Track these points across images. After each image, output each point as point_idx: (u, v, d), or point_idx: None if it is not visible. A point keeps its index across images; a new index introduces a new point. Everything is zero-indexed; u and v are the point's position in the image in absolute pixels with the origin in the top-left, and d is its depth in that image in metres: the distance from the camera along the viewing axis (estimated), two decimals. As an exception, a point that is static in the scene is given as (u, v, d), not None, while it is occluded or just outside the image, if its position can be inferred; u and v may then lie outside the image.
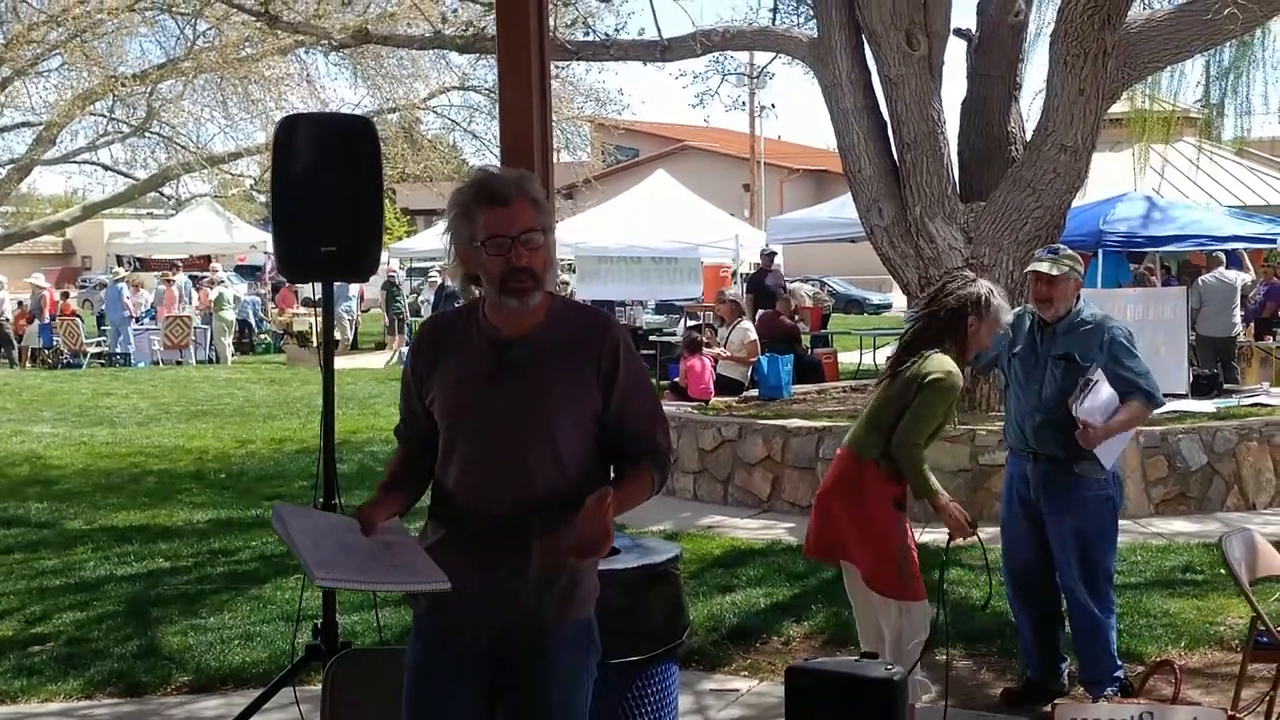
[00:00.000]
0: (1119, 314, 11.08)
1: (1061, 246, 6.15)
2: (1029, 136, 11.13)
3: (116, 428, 15.60)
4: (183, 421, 16.11)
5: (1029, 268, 5.93)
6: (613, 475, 3.33)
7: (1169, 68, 13.63)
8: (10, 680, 6.47)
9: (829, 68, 11.05)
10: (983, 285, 5.63)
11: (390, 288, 27.98)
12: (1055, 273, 5.79)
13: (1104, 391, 5.67)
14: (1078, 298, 5.91)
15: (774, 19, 14.32)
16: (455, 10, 13.61)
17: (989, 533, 9.03)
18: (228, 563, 8.81)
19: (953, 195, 10.75)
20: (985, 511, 9.46)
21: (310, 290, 33.14)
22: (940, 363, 5.45)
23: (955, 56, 11.37)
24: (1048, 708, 5.44)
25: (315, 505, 4.97)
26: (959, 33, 11.49)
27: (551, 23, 12.58)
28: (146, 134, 30.85)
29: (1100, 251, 15.88)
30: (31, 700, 6.26)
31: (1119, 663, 5.91)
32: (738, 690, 6.22)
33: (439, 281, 23.32)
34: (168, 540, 9.44)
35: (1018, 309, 6.30)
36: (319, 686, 5.46)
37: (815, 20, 11.33)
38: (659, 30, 11.84)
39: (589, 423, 3.27)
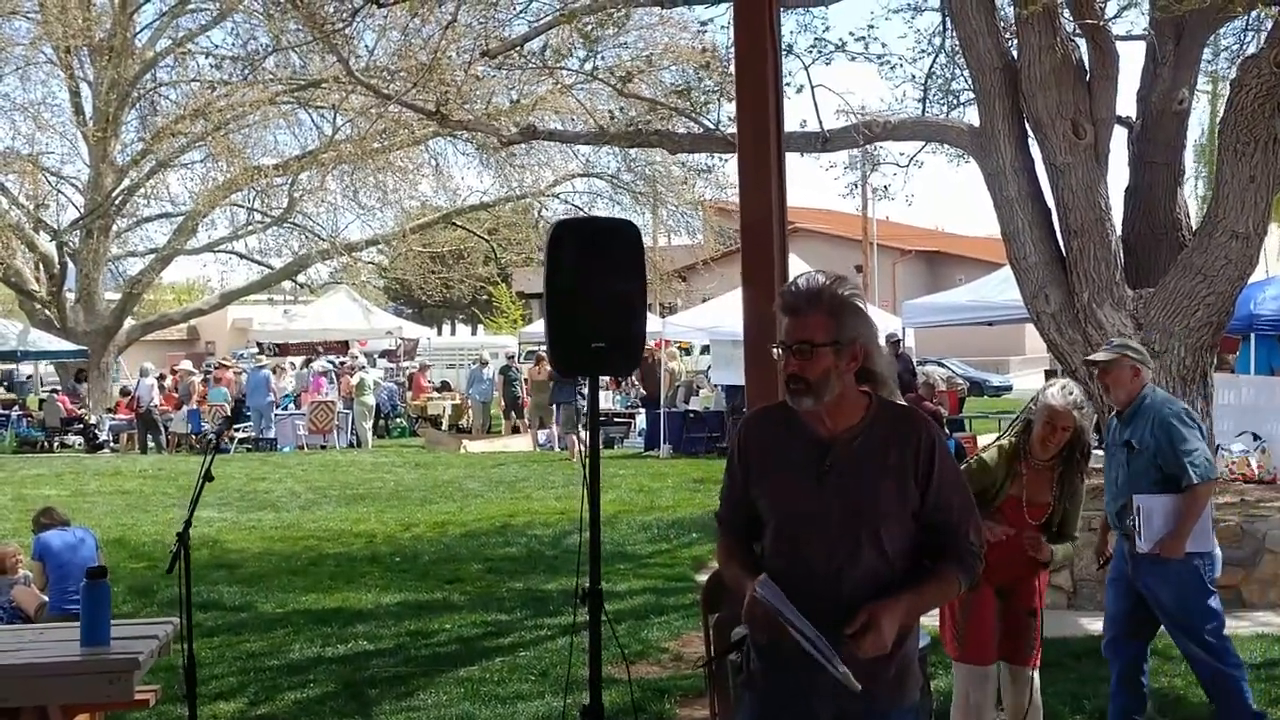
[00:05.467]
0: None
1: (1124, 338, 6.32)
2: (1194, 222, 11.20)
3: (280, 511, 16.01)
4: (343, 505, 16.49)
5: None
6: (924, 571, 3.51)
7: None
8: (248, 758, 6.76)
9: (992, 157, 11.18)
10: (1045, 394, 5.69)
11: (508, 372, 28.18)
12: (1103, 358, 6.08)
13: (1154, 507, 5.91)
14: (1143, 384, 6.08)
15: (923, 109, 14.57)
16: (622, 107, 14.07)
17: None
18: (428, 645, 9.02)
19: (1120, 281, 10.79)
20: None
21: (437, 375, 33.79)
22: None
23: (1116, 143, 11.49)
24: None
25: (580, 590, 5.14)
26: (1120, 120, 11.62)
27: (716, 116, 12.94)
28: (285, 224, 31.93)
29: (1252, 335, 15.75)
30: (274, 778, 6.54)
31: (1256, 711, 6.01)
32: None
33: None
34: (364, 622, 9.68)
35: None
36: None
37: (977, 109, 11.49)
38: (820, 122, 12.06)
39: (908, 519, 3.47)
